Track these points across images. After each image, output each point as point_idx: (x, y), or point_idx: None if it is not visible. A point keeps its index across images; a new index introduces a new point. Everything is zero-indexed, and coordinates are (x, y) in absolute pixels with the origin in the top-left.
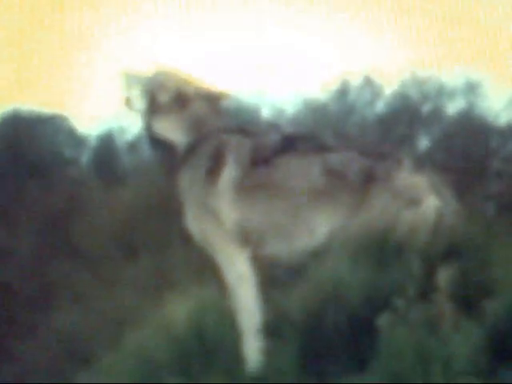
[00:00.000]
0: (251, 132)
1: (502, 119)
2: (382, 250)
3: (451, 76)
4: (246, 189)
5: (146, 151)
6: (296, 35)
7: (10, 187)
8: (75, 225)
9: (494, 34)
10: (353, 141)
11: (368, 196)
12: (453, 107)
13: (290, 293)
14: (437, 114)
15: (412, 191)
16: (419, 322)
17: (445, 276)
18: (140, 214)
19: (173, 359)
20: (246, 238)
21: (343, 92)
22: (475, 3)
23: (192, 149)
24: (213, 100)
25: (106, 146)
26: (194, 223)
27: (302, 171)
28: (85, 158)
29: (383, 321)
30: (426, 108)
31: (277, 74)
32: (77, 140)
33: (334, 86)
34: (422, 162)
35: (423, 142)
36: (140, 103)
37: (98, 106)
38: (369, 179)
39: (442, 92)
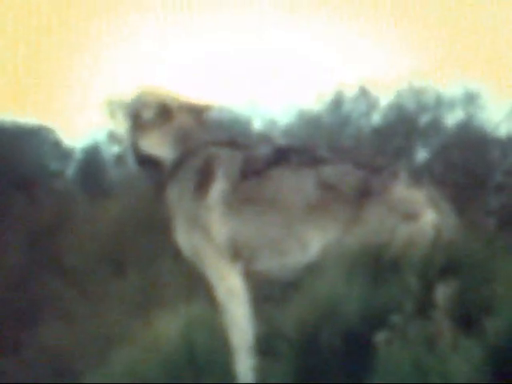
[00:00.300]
0: (241, 144)
1: (502, 130)
2: (378, 265)
3: (449, 86)
4: (237, 203)
5: (134, 164)
6: (289, 46)
7: None
8: (61, 240)
9: (494, 42)
10: (347, 153)
11: (363, 210)
12: (451, 118)
13: (283, 309)
14: (435, 125)
15: (409, 205)
16: (417, 340)
17: (443, 293)
18: (128, 228)
19: (162, 378)
20: (237, 252)
21: (338, 103)
22: (474, 13)
23: (180, 163)
24: (198, 112)
25: (93, 158)
26: (184, 238)
27: (295, 184)
28: (71, 170)
29: (380, 338)
30: (423, 119)
31: (270, 85)
32: (62, 152)
33: (329, 96)
34: (420, 175)
35: (421, 155)
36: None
37: (84, 117)
38: (364, 193)
39: (440, 103)
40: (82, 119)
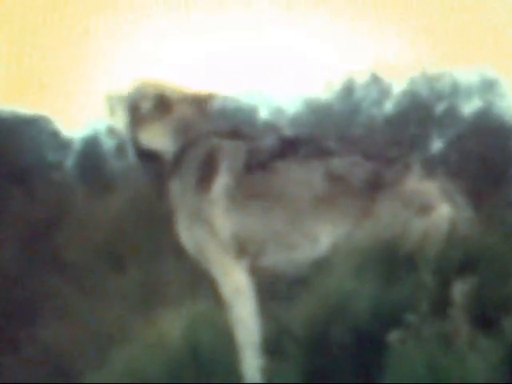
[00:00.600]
0: (246, 135)
1: None
2: (390, 261)
3: (466, 72)
4: (241, 197)
5: (134, 158)
6: (297, 31)
7: None
8: (60, 234)
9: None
10: (357, 144)
11: (374, 203)
12: (468, 107)
13: (291, 307)
14: (451, 113)
15: (422, 198)
16: (432, 339)
17: (460, 290)
18: (128, 222)
19: (165, 378)
20: (243, 248)
21: (348, 91)
22: None
23: (181, 155)
24: (199, 102)
25: (92, 149)
26: (187, 233)
27: (303, 177)
28: (69, 161)
29: (394, 337)
30: (438, 107)
31: (276, 73)
32: (60, 143)
33: (339, 84)
34: (434, 167)
35: (436, 145)
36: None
37: (84, 108)
38: (375, 185)
39: (456, 90)
40: (81, 109)
